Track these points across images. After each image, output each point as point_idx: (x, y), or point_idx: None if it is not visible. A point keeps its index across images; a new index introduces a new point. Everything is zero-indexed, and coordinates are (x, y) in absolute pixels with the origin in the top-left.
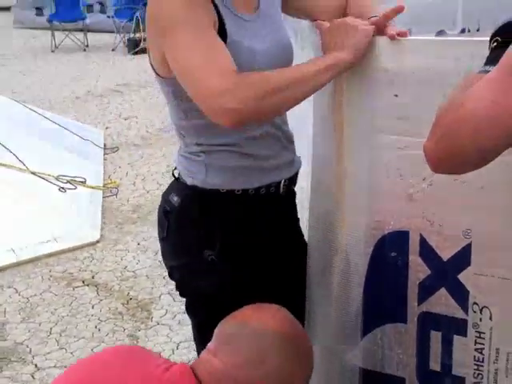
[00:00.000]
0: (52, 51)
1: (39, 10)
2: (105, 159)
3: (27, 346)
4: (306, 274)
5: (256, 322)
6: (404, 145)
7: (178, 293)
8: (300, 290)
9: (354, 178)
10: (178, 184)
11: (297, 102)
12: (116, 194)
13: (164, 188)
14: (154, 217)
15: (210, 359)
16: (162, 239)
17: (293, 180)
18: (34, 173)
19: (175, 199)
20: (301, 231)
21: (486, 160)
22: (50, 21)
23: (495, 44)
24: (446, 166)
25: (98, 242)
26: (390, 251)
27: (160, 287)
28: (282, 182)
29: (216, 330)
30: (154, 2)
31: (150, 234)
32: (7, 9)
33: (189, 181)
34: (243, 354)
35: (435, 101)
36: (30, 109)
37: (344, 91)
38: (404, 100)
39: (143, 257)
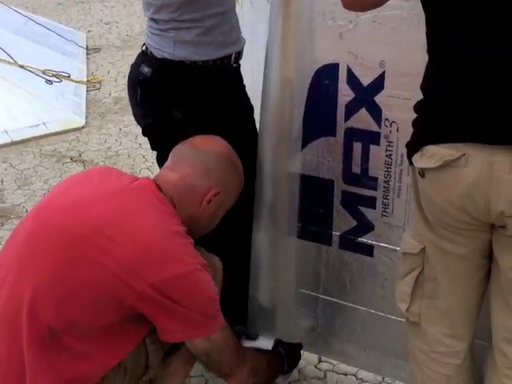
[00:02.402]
0: None
1: None
2: (87, 59)
3: (23, 207)
4: (254, 126)
5: (203, 146)
6: None
7: (155, 168)
8: (251, 137)
9: (297, 22)
10: (147, 57)
11: None
12: (99, 89)
13: None
14: None
15: (167, 172)
16: (136, 104)
17: (240, 54)
18: (22, 66)
19: (146, 70)
20: (247, 95)
21: (379, 4)
22: None
23: None
24: (353, 7)
25: (83, 127)
26: (324, 80)
27: (140, 164)
28: (233, 55)
29: (171, 153)
30: None
31: (130, 122)
32: None
33: (158, 54)
34: (194, 167)
35: None
36: (16, 11)
37: None
38: None
39: (125, 139)
